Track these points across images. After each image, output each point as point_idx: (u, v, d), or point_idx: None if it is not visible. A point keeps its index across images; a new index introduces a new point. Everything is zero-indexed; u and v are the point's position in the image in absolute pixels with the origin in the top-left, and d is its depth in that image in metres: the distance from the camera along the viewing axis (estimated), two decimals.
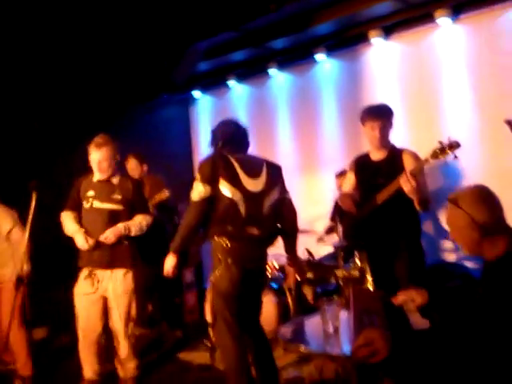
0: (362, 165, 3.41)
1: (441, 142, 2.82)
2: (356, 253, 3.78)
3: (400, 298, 2.15)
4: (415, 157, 3.17)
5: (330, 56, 5.22)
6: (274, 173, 2.99)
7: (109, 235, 3.43)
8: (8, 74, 4.71)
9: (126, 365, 3.58)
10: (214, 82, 6.24)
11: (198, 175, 2.83)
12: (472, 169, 4.18)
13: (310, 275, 4.07)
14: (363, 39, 4.91)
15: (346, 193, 3.44)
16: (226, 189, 2.78)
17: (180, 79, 5.84)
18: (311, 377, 3.39)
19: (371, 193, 3.18)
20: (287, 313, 4.08)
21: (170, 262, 3.02)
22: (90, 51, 5.19)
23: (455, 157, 2.79)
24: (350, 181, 3.49)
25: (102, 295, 3.51)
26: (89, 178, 3.62)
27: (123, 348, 3.56)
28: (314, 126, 5.47)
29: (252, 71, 5.86)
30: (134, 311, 3.58)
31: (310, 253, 4.12)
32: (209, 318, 4.36)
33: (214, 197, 2.78)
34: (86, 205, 3.56)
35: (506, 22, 4.15)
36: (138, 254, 3.66)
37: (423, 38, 4.63)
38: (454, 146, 2.76)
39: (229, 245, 2.79)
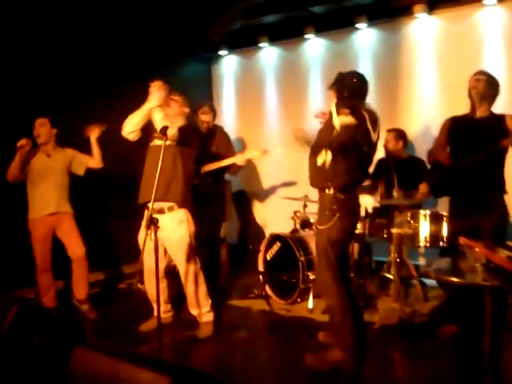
0: (460, 121, 3.58)
1: None
2: (408, 212, 4.17)
3: None
4: None
5: (371, 25, 5.38)
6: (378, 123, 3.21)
7: None
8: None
9: (196, 310, 3.80)
10: (243, 42, 6.24)
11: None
12: None
13: (360, 230, 4.39)
14: (406, 12, 5.10)
15: (441, 146, 3.67)
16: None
17: (216, 38, 5.89)
18: (381, 321, 3.79)
19: (469, 147, 3.40)
20: None
21: None
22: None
23: None
24: (442, 136, 3.67)
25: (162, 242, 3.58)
26: None
27: (189, 292, 3.76)
28: None
29: (287, 34, 5.90)
30: (192, 256, 3.72)
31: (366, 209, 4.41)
32: (261, 267, 4.67)
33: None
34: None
35: None
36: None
37: (466, 17, 4.89)
38: None
39: (343, 196, 3.07)
